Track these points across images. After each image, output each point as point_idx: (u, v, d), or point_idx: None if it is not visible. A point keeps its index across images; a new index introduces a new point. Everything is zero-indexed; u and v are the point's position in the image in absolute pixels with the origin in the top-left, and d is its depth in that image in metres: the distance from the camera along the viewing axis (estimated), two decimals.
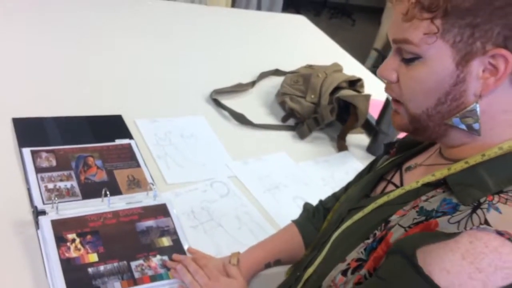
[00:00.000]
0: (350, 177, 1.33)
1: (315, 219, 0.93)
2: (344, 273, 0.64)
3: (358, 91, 1.55)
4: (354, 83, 1.55)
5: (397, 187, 0.70)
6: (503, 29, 0.53)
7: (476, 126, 0.58)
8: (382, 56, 2.91)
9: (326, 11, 5.38)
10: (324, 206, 0.94)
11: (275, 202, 1.14)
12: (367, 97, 1.39)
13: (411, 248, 0.53)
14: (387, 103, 1.37)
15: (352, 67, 1.83)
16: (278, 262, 0.91)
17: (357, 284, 0.62)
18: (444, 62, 0.57)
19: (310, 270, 0.73)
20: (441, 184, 0.61)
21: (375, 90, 1.54)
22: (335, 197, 0.94)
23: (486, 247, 0.49)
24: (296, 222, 0.94)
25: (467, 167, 0.59)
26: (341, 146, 1.42)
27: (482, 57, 0.55)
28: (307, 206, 0.97)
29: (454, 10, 0.54)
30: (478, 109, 0.57)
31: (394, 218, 0.62)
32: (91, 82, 1.39)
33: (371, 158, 1.42)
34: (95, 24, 1.70)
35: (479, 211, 0.52)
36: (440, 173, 0.61)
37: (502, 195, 0.53)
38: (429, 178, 0.62)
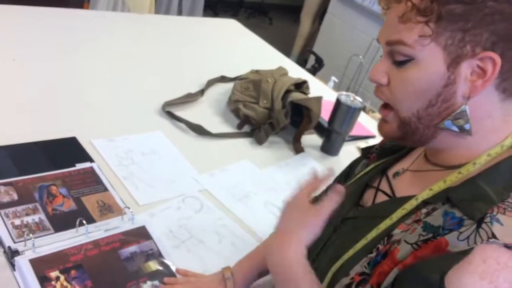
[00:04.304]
0: None
1: None
2: (348, 287, 0.64)
3: (305, 93, 1.60)
4: (300, 85, 1.60)
5: (388, 196, 0.72)
6: (491, 35, 0.57)
7: (467, 126, 0.61)
8: (317, 58, 2.91)
9: (243, 11, 5.44)
10: None
11: (248, 211, 1.15)
12: (319, 99, 1.44)
13: (438, 276, 0.53)
14: (337, 104, 1.43)
15: (292, 69, 1.88)
16: (267, 272, 0.92)
17: None
18: (436, 63, 0.60)
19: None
20: (441, 197, 0.62)
21: (314, 90, 1.61)
22: None
23: (498, 264, 0.51)
24: None
25: (465, 179, 0.61)
26: (298, 148, 1.46)
27: (471, 59, 0.58)
28: None
29: (447, 15, 0.58)
30: (468, 110, 0.60)
31: (396, 232, 0.63)
32: (36, 105, 1.29)
33: (326, 157, 1.48)
34: (34, 43, 1.58)
35: (484, 225, 0.54)
36: (437, 187, 0.63)
37: (499, 205, 0.56)
38: (427, 194, 0.63)
